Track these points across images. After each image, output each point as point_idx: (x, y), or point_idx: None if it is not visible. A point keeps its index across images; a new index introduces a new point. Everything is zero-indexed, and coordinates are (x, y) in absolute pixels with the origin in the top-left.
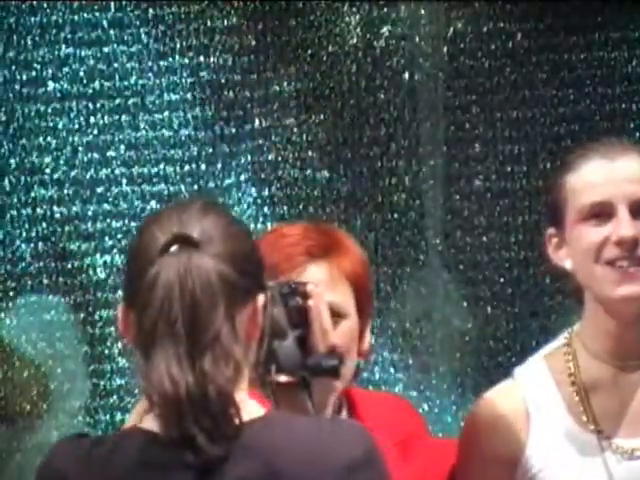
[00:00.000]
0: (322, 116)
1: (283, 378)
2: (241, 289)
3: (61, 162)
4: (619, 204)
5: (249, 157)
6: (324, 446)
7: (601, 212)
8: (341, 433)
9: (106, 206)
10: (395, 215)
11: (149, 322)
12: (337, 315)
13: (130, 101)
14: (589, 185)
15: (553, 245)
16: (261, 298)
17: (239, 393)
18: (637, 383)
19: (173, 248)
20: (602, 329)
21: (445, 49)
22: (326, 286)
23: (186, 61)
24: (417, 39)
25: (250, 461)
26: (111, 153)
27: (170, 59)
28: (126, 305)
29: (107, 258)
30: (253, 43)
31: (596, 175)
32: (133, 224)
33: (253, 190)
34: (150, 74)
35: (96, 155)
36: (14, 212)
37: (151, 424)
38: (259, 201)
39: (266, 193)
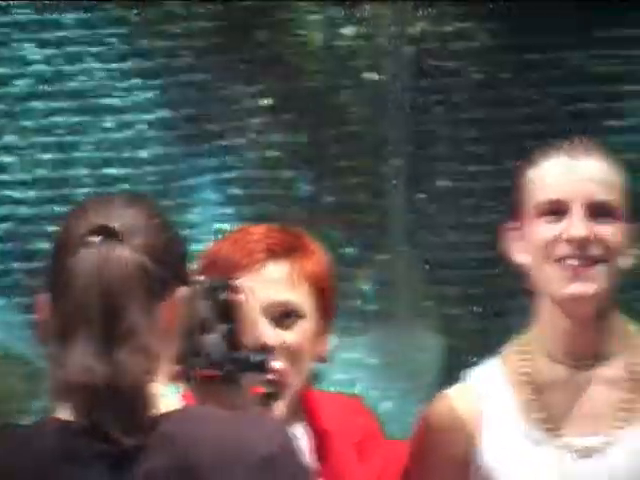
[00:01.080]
0: (285, 116)
1: (210, 372)
2: (160, 281)
3: (26, 162)
4: (575, 203)
5: (212, 157)
6: (240, 440)
7: (557, 210)
8: (258, 428)
9: (71, 207)
10: (359, 215)
11: (67, 312)
12: (294, 315)
13: (95, 102)
14: (548, 182)
15: (510, 239)
16: (182, 291)
17: (156, 385)
18: (591, 382)
19: (95, 239)
20: (556, 328)
21: (409, 49)
22: (284, 285)
23: (150, 62)
24: (381, 39)
25: (165, 452)
26: (76, 154)
27: (134, 59)
28: (45, 293)
29: None
30: (217, 44)
31: (556, 172)
32: None
33: (216, 190)
34: (115, 75)
35: (61, 156)
36: None
37: (64, 412)
38: (222, 201)
39: (229, 193)
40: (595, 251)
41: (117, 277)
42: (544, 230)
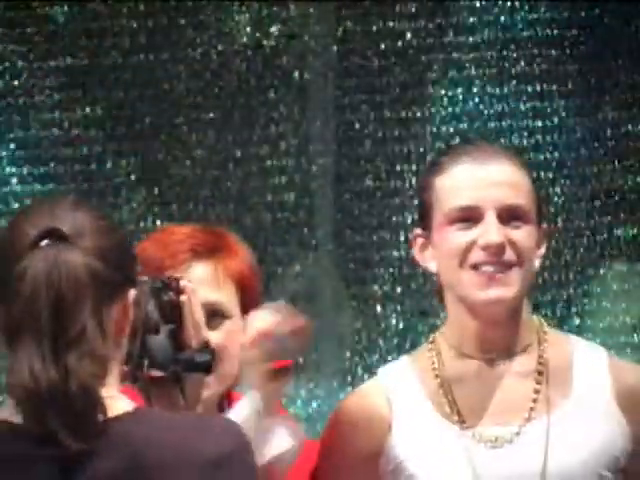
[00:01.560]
0: (212, 115)
1: (155, 373)
2: (111, 284)
3: None
4: (487, 209)
5: (139, 156)
6: (192, 441)
7: (469, 216)
8: (210, 429)
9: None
10: (285, 214)
11: (15, 316)
12: (220, 315)
13: (20, 100)
14: (457, 188)
15: (419, 246)
16: (132, 293)
17: (106, 389)
18: (502, 375)
19: (43, 242)
20: (466, 329)
21: (335, 48)
22: (210, 285)
23: (76, 60)
24: (307, 38)
25: (116, 456)
26: (1, 152)
27: (60, 58)
28: None
29: None
30: (143, 42)
31: (465, 178)
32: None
33: (142, 189)
34: (40, 73)
35: None
36: None
37: (8, 414)
38: (148, 200)
39: (155, 192)
40: (509, 256)
41: (67, 281)
42: (457, 237)
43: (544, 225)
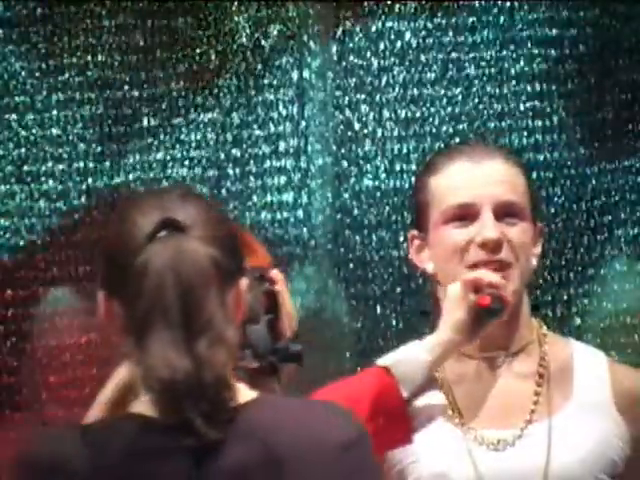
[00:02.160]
0: (211, 115)
1: (251, 363)
2: (228, 272)
3: None
4: (483, 206)
5: (137, 156)
6: (318, 426)
7: (465, 214)
8: (333, 414)
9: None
10: (284, 214)
11: (142, 309)
12: None
13: (19, 100)
14: (453, 187)
15: (415, 247)
16: (244, 281)
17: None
18: (503, 376)
19: (160, 234)
20: None
21: (334, 48)
22: None
23: (74, 60)
24: (306, 38)
25: (248, 443)
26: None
27: (58, 58)
28: (107, 295)
29: None
30: (141, 42)
31: (460, 177)
32: (21, 222)
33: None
34: (38, 73)
35: None
36: None
37: (144, 408)
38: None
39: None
40: (506, 255)
41: (193, 270)
42: (455, 236)
43: (539, 224)
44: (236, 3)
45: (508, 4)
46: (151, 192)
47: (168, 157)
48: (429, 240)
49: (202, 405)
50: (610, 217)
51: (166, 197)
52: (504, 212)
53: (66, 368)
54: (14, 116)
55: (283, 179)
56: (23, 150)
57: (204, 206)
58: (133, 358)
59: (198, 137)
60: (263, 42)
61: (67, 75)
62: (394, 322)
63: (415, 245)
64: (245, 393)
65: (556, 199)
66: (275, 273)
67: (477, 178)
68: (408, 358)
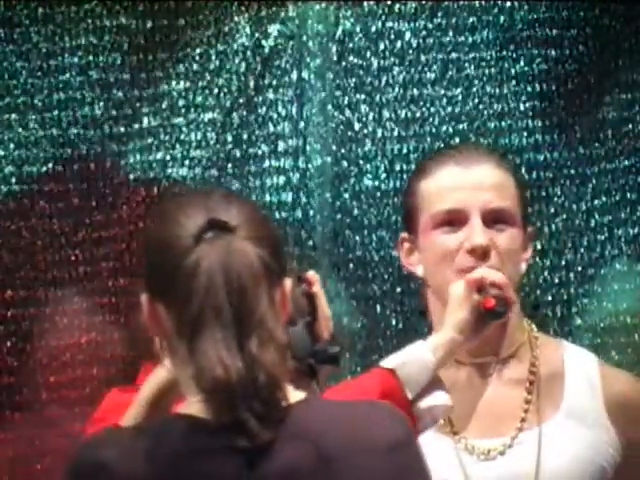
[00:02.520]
0: (211, 115)
1: (293, 365)
2: (274, 272)
3: None
4: (472, 211)
5: (138, 156)
6: (367, 427)
7: (454, 219)
8: (381, 415)
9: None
10: (283, 214)
11: (194, 310)
12: None
13: (19, 100)
14: (443, 192)
15: (405, 250)
16: (288, 282)
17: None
18: (493, 383)
19: (208, 234)
20: None
21: (334, 48)
22: None
23: (75, 60)
24: (305, 38)
25: (298, 444)
26: (0, 152)
27: (59, 58)
28: (152, 297)
29: None
30: (142, 42)
31: (450, 182)
32: (22, 223)
33: (142, 189)
34: (39, 73)
35: None
36: None
37: (195, 410)
38: (148, 200)
39: (155, 192)
40: (494, 262)
41: (242, 270)
42: (443, 241)
43: (530, 228)
44: (236, 3)
45: (508, 4)
46: (193, 193)
47: (168, 157)
48: (419, 244)
49: (255, 405)
50: (610, 217)
51: (209, 198)
52: (493, 218)
53: (66, 368)
54: (14, 116)
55: (282, 179)
56: (24, 150)
57: (247, 206)
58: (181, 359)
59: (198, 137)
60: (263, 42)
61: (67, 75)
62: (394, 322)
63: (405, 248)
64: (293, 394)
65: (556, 199)
66: (311, 275)
67: (466, 183)
68: (412, 359)
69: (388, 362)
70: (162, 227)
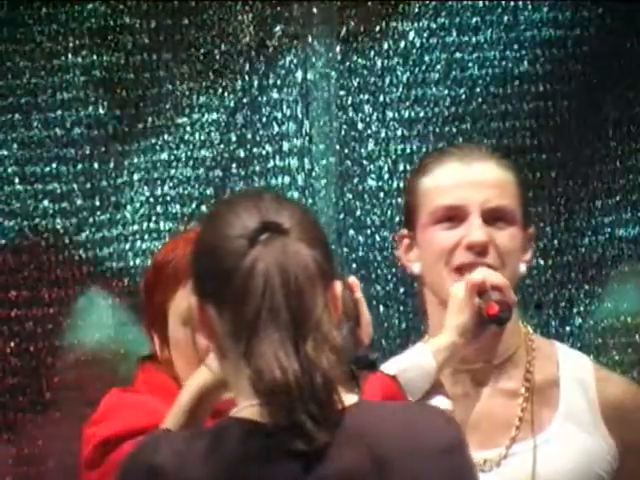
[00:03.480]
0: (215, 115)
1: None
2: (328, 274)
3: None
4: (472, 209)
5: (142, 156)
6: (420, 430)
7: (454, 216)
8: (433, 418)
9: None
10: None
11: (250, 313)
12: None
13: (22, 100)
14: (443, 188)
15: (404, 247)
16: (339, 284)
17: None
18: (488, 394)
19: (262, 237)
20: None
21: (338, 48)
22: None
23: (79, 60)
24: (310, 38)
25: (354, 447)
26: (3, 152)
27: (63, 58)
28: (203, 300)
29: None
30: (146, 42)
31: (450, 178)
32: (25, 223)
33: (146, 189)
34: (43, 72)
35: None
36: None
37: (250, 413)
38: (152, 200)
39: (159, 192)
40: (492, 260)
41: (299, 271)
42: (442, 237)
43: (530, 229)
44: (240, 3)
45: (512, 4)
46: (244, 196)
47: (172, 157)
48: (417, 240)
49: (312, 407)
50: (612, 217)
51: (261, 201)
52: (493, 216)
53: (70, 369)
54: (18, 116)
55: (287, 179)
56: (27, 150)
57: (298, 209)
58: (234, 362)
59: (202, 137)
60: (267, 42)
61: (71, 75)
62: (397, 322)
63: (404, 245)
64: (347, 396)
65: (558, 199)
66: (353, 280)
67: (467, 180)
68: (413, 364)
69: (389, 367)
70: (215, 230)
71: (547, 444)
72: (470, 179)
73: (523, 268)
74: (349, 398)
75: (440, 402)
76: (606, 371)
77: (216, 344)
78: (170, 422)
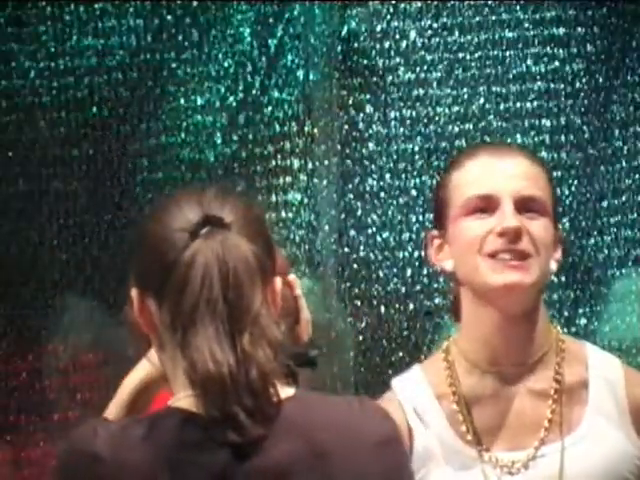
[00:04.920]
0: (217, 115)
1: None
2: (268, 270)
3: None
4: (504, 197)
5: (145, 157)
6: (357, 422)
7: (486, 206)
8: (369, 411)
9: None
10: (289, 214)
11: (188, 305)
12: None
13: (27, 100)
14: (474, 179)
15: (435, 247)
16: (278, 281)
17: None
18: (517, 394)
19: (204, 230)
20: (481, 331)
21: (339, 48)
22: None
23: (83, 60)
24: (311, 38)
25: (291, 439)
26: (8, 152)
27: (67, 58)
28: (143, 292)
29: None
30: (149, 42)
31: (482, 170)
32: (29, 223)
33: (148, 189)
34: (47, 73)
35: None
36: None
37: (186, 403)
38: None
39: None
40: (525, 246)
41: (239, 266)
42: (474, 226)
43: (559, 231)
44: (242, 3)
45: (514, 3)
46: (188, 191)
47: (175, 158)
48: (448, 237)
49: (247, 400)
50: (617, 218)
51: (203, 196)
52: (525, 206)
53: (73, 371)
54: (22, 116)
55: (288, 179)
56: (31, 150)
57: (242, 204)
58: (171, 354)
59: (204, 137)
60: (269, 42)
61: (75, 75)
62: (398, 322)
63: (435, 245)
64: (284, 389)
65: (563, 199)
66: (293, 278)
67: (499, 171)
68: None
69: None
70: (157, 223)
71: (575, 446)
72: (502, 170)
73: (554, 266)
74: (286, 391)
75: None
76: (636, 372)
77: (155, 336)
78: (110, 413)
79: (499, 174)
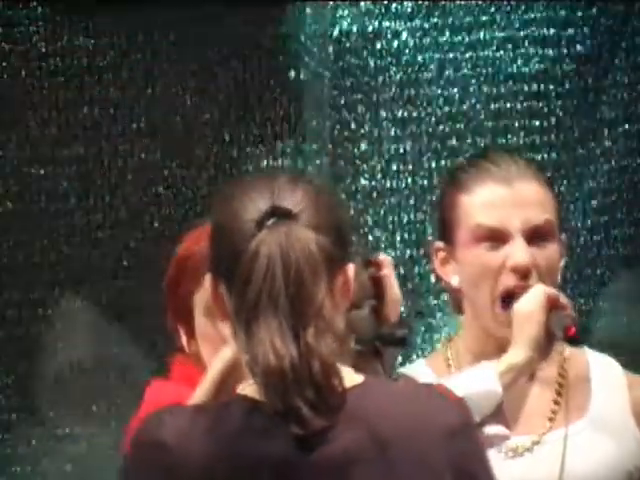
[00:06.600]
0: (208, 115)
1: (358, 347)
2: (336, 259)
3: None
4: (515, 230)
5: (135, 156)
6: (424, 412)
7: (497, 237)
8: (438, 400)
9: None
10: None
11: (251, 296)
12: None
13: (19, 100)
14: (484, 208)
15: (440, 259)
16: (351, 267)
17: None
18: (525, 383)
19: (270, 221)
20: (483, 341)
21: (331, 48)
22: None
23: (74, 61)
24: (303, 38)
25: (354, 428)
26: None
27: (57, 58)
28: (216, 277)
29: None
30: (140, 40)
31: (493, 199)
32: (21, 223)
33: (139, 188)
34: (38, 73)
35: None
36: None
37: (252, 390)
38: (145, 200)
39: (152, 191)
40: (534, 281)
41: (303, 258)
42: (486, 257)
43: (562, 235)
44: (233, 3)
45: (505, 4)
46: (260, 178)
47: (166, 157)
48: (457, 256)
49: (308, 393)
50: (607, 217)
51: (274, 183)
52: (535, 235)
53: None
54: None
55: None
56: (22, 151)
57: (313, 192)
58: (240, 342)
59: (196, 136)
60: (260, 42)
61: (67, 76)
62: None
63: (440, 257)
64: (351, 377)
65: None
66: (382, 257)
67: (508, 200)
68: (480, 391)
69: (458, 388)
70: (227, 211)
71: (578, 438)
72: (512, 199)
73: (558, 278)
74: (353, 379)
75: (498, 430)
76: (636, 375)
77: (229, 322)
78: (197, 399)
79: (509, 204)
